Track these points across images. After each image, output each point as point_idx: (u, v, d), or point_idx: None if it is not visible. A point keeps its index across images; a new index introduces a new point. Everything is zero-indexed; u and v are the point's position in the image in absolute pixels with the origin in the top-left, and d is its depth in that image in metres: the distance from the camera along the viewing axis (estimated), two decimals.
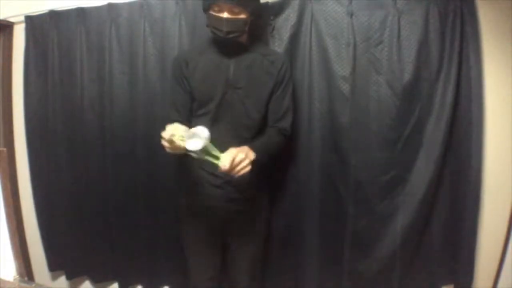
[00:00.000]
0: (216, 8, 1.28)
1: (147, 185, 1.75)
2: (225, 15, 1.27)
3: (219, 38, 1.31)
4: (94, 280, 2.01)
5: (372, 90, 1.54)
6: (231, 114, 1.34)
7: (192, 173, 1.42)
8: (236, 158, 1.11)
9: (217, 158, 1.13)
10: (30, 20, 1.85)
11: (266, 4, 1.55)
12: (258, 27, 1.53)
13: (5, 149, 1.29)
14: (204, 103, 1.36)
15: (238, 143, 1.25)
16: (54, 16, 1.81)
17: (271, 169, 1.52)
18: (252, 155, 1.17)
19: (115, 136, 1.77)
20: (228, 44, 1.34)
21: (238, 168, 1.12)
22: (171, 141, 1.11)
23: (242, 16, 1.29)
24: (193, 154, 1.14)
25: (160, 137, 1.13)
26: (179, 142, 1.10)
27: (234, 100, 1.35)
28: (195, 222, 1.47)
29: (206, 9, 1.32)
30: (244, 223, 1.44)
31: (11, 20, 1.91)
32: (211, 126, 1.31)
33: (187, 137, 1.11)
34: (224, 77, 1.35)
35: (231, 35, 1.29)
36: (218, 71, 1.36)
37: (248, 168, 1.14)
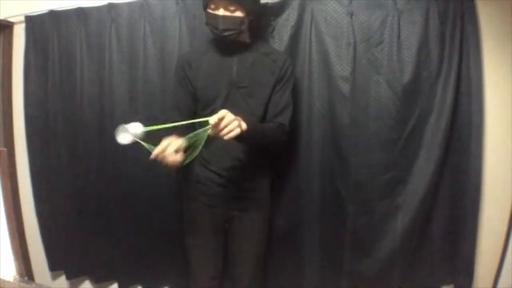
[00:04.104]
0: (212, 6, 1.29)
1: (147, 184, 1.75)
2: (221, 12, 1.28)
3: (216, 36, 1.32)
4: (94, 280, 2.01)
5: (372, 90, 1.54)
6: (235, 114, 1.34)
7: (195, 172, 1.42)
8: (225, 118, 1.10)
9: (206, 124, 1.11)
10: (30, 20, 1.85)
11: (266, 4, 1.55)
12: (259, 27, 1.53)
13: (5, 149, 1.29)
14: (208, 103, 1.37)
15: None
16: (54, 16, 1.80)
17: (272, 169, 1.52)
18: (244, 125, 1.16)
19: (115, 136, 1.76)
20: (230, 44, 1.35)
21: (227, 129, 1.09)
22: (163, 157, 1.11)
23: (239, 14, 1.29)
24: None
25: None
26: (172, 157, 1.11)
27: (237, 99, 1.35)
28: (197, 221, 1.47)
29: (204, 7, 1.32)
30: (246, 222, 1.44)
31: (11, 20, 1.91)
32: None
33: (120, 131, 1.15)
34: (227, 76, 1.36)
35: (226, 33, 1.29)
36: (221, 71, 1.37)
37: (237, 132, 1.11)
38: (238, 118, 1.14)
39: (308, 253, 1.65)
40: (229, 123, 1.10)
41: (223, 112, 1.10)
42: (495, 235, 1.58)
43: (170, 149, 1.11)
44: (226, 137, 1.10)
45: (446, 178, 1.56)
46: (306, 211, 1.63)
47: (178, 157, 1.12)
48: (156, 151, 1.11)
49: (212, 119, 1.08)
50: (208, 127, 1.10)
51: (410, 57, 1.49)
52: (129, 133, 1.13)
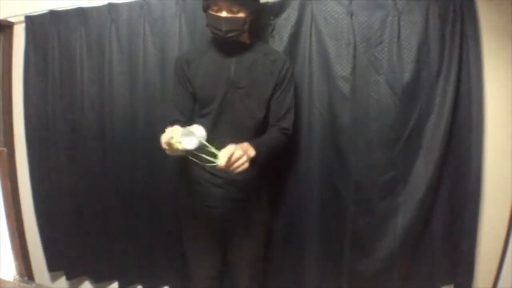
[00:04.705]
0: (214, 8, 1.28)
1: (147, 184, 1.75)
2: (224, 14, 1.27)
3: (218, 37, 1.32)
4: (94, 280, 2.01)
5: (372, 90, 1.54)
6: (233, 114, 1.34)
7: (193, 172, 1.42)
8: (234, 155, 1.11)
9: (215, 156, 1.13)
10: (30, 20, 1.85)
11: (266, 4, 1.55)
12: (258, 27, 1.53)
13: (5, 149, 1.29)
14: (206, 103, 1.37)
15: (240, 143, 1.25)
16: (54, 16, 1.80)
17: (272, 169, 1.52)
18: (252, 152, 1.18)
19: (115, 136, 1.77)
20: (229, 44, 1.34)
21: (236, 165, 1.12)
22: (169, 144, 1.12)
23: (241, 15, 1.29)
24: (190, 156, 1.15)
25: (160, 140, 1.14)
26: (177, 145, 1.11)
27: (235, 100, 1.35)
28: (195, 222, 1.47)
29: (205, 9, 1.32)
30: (244, 223, 1.44)
31: (11, 20, 1.91)
32: (213, 126, 1.31)
33: (183, 135, 1.12)
34: (225, 77, 1.36)
35: (229, 34, 1.29)
36: (220, 71, 1.36)
37: (246, 166, 1.13)
38: (245, 147, 1.16)
39: (308, 253, 1.65)
40: (238, 158, 1.11)
41: (231, 149, 1.11)
42: (495, 235, 1.58)
43: (176, 138, 1.12)
44: (235, 172, 1.12)
45: (446, 178, 1.56)
46: (306, 211, 1.63)
47: (180, 146, 1.13)
48: (164, 136, 1.13)
49: (222, 159, 1.09)
50: (215, 164, 1.12)
51: (410, 57, 1.49)
52: (195, 136, 1.12)
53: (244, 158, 1.13)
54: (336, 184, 1.60)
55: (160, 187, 1.74)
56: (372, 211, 1.58)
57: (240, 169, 1.12)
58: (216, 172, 1.38)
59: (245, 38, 1.39)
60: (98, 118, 1.80)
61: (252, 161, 1.18)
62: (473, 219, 1.55)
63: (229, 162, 1.11)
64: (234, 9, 1.27)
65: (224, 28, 1.28)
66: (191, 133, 1.12)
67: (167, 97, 1.62)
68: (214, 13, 1.29)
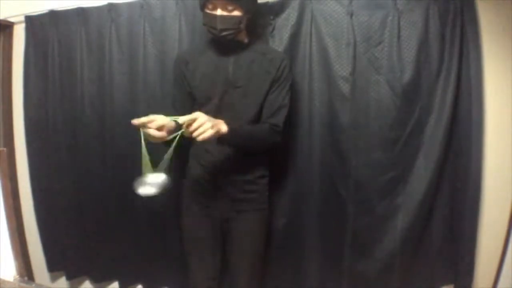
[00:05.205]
0: (210, 6, 1.28)
1: None
2: (219, 12, 1.27)
3: (214, 36, 1.32)
4: (94, 280, 2.01)
5: (372, 90, 1.54)
6: (231, 114, 1.34)
7: (193, 173, 1.42)
8: (197, 121, 1.10)
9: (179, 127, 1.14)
10: (30, 20, 1.85)
11: (266, 3, 1.56)
12: (258, 26, 1.53)
13: (5, 149, 1.29)
14: (204, 103, 1.37)
15: None
16: (54, 16, 1.81)
17: (272, 169, 1.52)
18: (224, 128, 1.18)
19: (115, 136, 1.77)
20: (227, 43, 1.34)
21: (198, 131, 1.10)
22: (143, 126, 1.12)
23: (237, 13, 1.29)
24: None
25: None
26: (151, 131, 1.12)
27: (233, 99, 1.35)
28: (195, 222, 1.47)
29: (202, 7, 1.32)
30: (243, 223, 1.44)
31: (11, 20, 1.91)
32: None
33: (138, 184, 1.19)
34: (223, 76, 1.36)
35: (225, 33, 1.29)
36: (218, 71, 1.36)
37: (208, 134, 1.11)
38: (218, 121, 1.16)
39: (308, 253, 1.65)
40: (200, 125, 1.10)
41: (196, 114, 1.12)
42: (495, 235, 1.58)
43: (154, 124, 1.12)
44: (198, 139, 1.11)
45: (446, 178, 1.56)
46: (306, 211, 1.63)
47: (160, 134, 1.13)
48: (140, 120, 1.12)
49: (181, 119, 1.11)
50: (181, 131, 1.13)
51: (410, 57, 1.49)
52: (151, 185, 1.19)
53: (208, 125, 1.11)
54: (336, 184, 1.60)
55: None
56: (372, 211, 1.58)
57: (201, 136, 1.10)
58: (216, 172, 1.38)
59: (242, 37, 1.39)
60: (98, 118, 1.80)
61: (223, 139, 1.19)
62: (473, 219, 1.54)
63: (191, 125, 1.10)
64: (230, 7, 1.27)
65: (219, 27, 1.28)
66: (147, 183, 1.19)
67: (167, 97, 1.62)
68: (209, 12, 1.29)
